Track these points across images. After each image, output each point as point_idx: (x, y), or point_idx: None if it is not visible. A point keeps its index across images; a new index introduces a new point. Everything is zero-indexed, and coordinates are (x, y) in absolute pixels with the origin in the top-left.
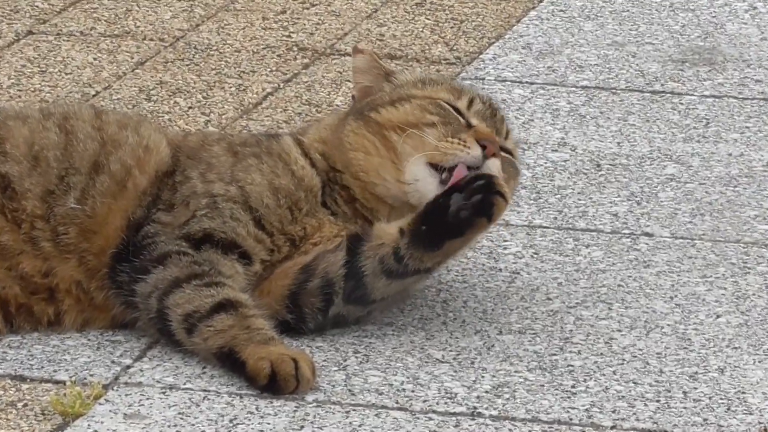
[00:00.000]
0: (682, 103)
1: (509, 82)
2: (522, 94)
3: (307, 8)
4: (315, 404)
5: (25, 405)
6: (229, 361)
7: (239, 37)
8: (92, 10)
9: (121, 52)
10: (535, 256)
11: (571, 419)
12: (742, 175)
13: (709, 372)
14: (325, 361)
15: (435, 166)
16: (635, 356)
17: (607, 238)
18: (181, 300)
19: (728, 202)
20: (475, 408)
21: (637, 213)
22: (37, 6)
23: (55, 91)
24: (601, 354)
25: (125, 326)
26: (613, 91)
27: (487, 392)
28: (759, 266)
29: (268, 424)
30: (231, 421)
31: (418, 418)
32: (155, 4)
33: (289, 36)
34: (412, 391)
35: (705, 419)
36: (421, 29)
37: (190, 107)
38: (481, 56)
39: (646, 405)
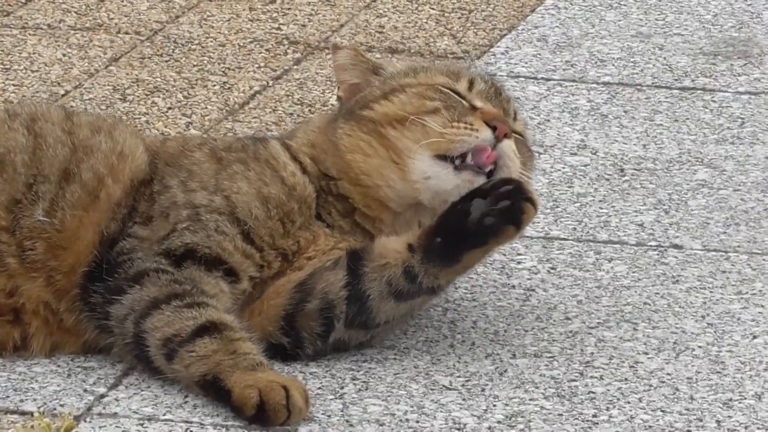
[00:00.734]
0: (714, 101)
1: (523, 78)
2: (537, 92)
3: None
4: None
5: None
6: (213, 390)
7: (224, 29)
8: (61, 2)
9: (93, 47)
10: (552, 271)
11: None
12: None
13: (745, 399)
14: (319, 388)
15: (442, 157)
16: (663, 381)
17: (631, 251)
18: (159, 323)
19: (766, 211)
20: None
21: (665, 223)
22: None
23: (20, 90)
24: (626, 379)
25: (99, 352)
26: (638, 87)
27: (499, 422)
28: None
29: None
30: None
31: None
32: None
33: (278, 28)
34: (417, 422)
35: None
36: (425, 20)
37: (169, 108)
38: (491, 50)
39: None
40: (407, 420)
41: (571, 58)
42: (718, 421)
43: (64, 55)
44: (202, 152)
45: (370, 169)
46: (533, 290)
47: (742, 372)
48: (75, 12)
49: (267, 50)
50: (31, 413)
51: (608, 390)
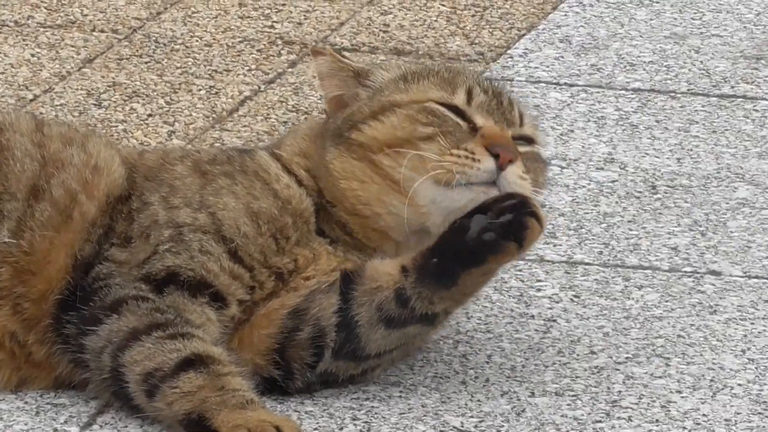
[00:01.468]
0: (756, 110)
1: (543, 84)
2: (560, 99)
3: None
4: None
5: None
6: (199, 430)
7: (210, 27)
8: None
9: (65, 46)
10: (576, 299)
11: None
12: None
13: None
14: (316, 429)
15: (445, 184)
16: (699, 423)
17: (664, 278)
18: (139, 356)
19: None
20: None
21: (702, 246)
22: None
23: None
24: (657, 421)
25: (73, 388)
26: (672, 94)
27: None
28: None
29: None
30: None
31: None
32: None
33: (271, 26)
34: None
35: None
36: (434, 18)
37: (149, 115)
38: (508, 51)
39: None
40: None
41: (597, 62)
42: None
43: (32, 55)
44: (184, 165)
45: (368, 197)
46: (554, 321)
47: None
48: (45, 8)
49: (258, 51)
50: None
51: None
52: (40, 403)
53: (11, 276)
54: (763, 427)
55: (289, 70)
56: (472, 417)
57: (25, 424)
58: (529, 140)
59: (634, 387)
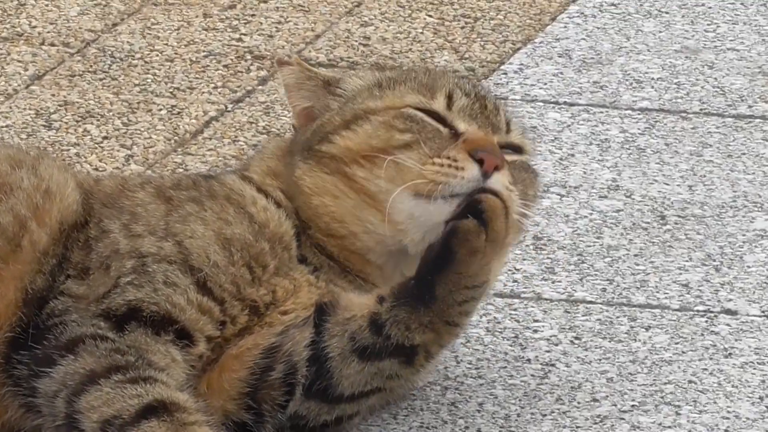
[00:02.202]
0: None
1: (541, 103)
2: (558, 120)
3: (265, 1)
4: None
5: None
6: None
7: (172, 41)
8: None
9: (11, 61)
10: (577, 341)
11: None
12: None
13: None
14: None
15: (425, 197)
16: None
17: (674, 317)
18: (97, 401)
19: None
20: None
21: (716, 283)
22: None
23: None
24: None
25: None
26: (683, 115)
27: None
28: None
29: None
30: None
31: None
32: None
33: (239, 40)
34: None
35: None
36: (420, 30)
37: (105, 137)
38: (502, 67)
39: None
40: None
41: (601, 79)
42: None
43: None
44: (146, 192)
45: (342, 214)
46: (553, 365)
47: None
48: None
49: (225, 66)
50: None
51: None
52: None
53: None
54: None
55: (259, 87)
56: None
57: None
58: (517, 149)
59: None
